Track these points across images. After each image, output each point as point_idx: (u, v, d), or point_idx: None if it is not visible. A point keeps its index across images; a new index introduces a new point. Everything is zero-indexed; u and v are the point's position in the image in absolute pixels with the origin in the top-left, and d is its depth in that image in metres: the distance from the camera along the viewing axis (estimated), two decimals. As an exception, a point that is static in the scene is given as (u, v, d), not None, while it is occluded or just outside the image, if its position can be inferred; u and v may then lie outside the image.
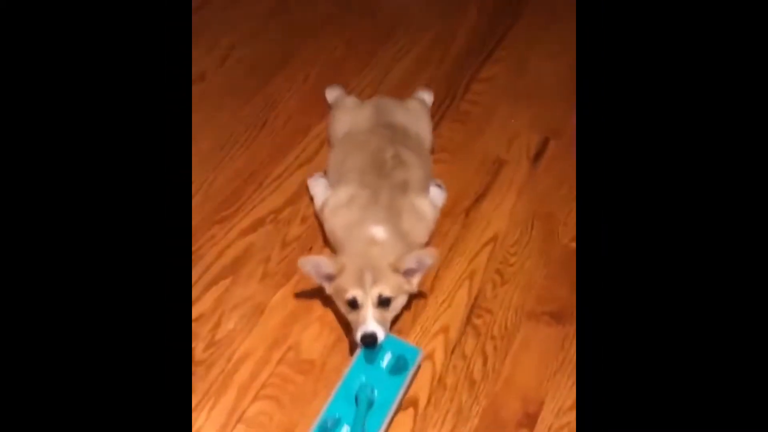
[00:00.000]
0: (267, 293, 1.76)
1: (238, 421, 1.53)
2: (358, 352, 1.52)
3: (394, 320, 1.61)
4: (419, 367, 1.56)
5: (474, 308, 1.75)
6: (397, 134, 1.85)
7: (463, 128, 2.20)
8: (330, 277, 1.56)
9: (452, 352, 1.67)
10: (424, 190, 1.81)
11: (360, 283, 1.51)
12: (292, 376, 1.61)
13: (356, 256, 1.57)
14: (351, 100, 2.08)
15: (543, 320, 1.74)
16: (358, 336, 1.50)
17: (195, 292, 1.72)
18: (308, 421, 1.49)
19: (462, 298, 1.77)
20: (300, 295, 1.75)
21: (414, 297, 1.68)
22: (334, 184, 1.80)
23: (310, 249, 1.83)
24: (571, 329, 1.71)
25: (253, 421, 1.53)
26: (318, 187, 1.86)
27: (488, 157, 2.12)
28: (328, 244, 1.77)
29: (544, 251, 1.88)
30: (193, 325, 1.65)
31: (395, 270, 1.54)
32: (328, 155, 1.91)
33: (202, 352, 1.63)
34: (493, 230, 1.93)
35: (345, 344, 1.67)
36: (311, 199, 1.86)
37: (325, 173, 1.90)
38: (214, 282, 1.77)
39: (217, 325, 1.69)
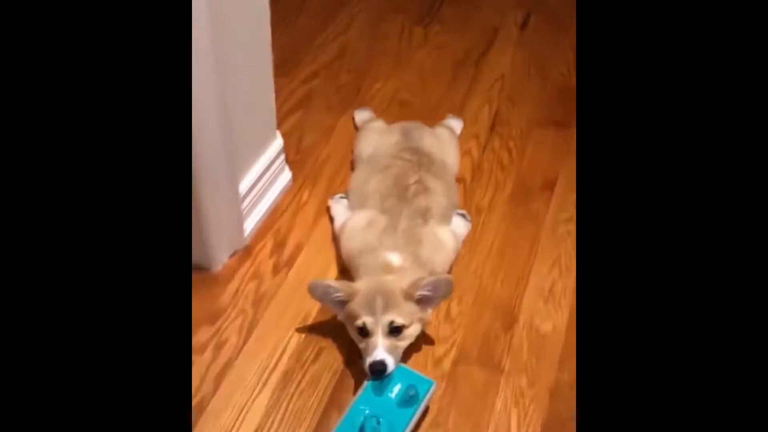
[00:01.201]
0: (333, 119, 2.21)
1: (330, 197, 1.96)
2: (366, 381, 1.46)
3: (408, 350, 1.54)
4: (430, 399, 1.47)
5: (495, 122, 2.25)
6: (422, 160, 1.79)
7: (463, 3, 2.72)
8: (341, 303, 1.51)
9: (484, 149, 2.16)
10: (447, 218, 1.76)
11: (371, 309, 1.45)
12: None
13: (369, 282, 1.52)
14: (379, 124, 2.04)
15: (550, 127, 2.25)
16: (367, 365, 1.44)
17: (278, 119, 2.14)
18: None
19: (485, 116, 2.27)
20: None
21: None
22: (354, 207, 1.76)
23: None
24: (572, 131, 2.22)
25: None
26: (338, 209, 1.83)
27: (486, 25, 2.64)
28: (344, 268, 1.72)
29: (542, 82, 2.41)
30: (284, 139, 2.07)
31: (408, 296, 1.48)
32: (351, 177, 1.88)
33: (294, 155, 2.07)
34: (500, 71, 2.44)
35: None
36: (331, 220, 1.84)
37: (347, 195, 1.85)
38: (290, 113, 2.21)
39: (300, 139, 2.13)
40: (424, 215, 1.67)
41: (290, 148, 2.03)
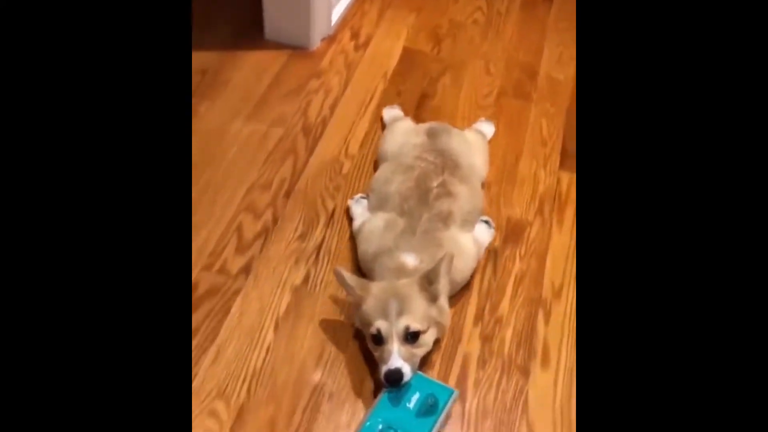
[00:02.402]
0: None
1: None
2: (383, 392, 1.41)
3: (425, 357, 1.48)
4: (451, 409, 1.42)
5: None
6: (447, 163, 1.72)
7: None
8: (356, 303, 1.48)
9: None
10: (470, 224, 1.69)
11: (385, 314, 1.41)
12: None
13: (384, 285, 1.47)
14: (406, 123, 1.97)
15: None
16: (382, 374, 1.39)
17: None
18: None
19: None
20: None
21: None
22: (374, 208, 1.71)
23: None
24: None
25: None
26: (358, 209, 1.77)
27: None
28: (360, 271, 1.66)
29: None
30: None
31: (429, 283, 1.44)
32: (373, 176, 1.82)
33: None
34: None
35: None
36: (350, 221, 1.78)
37: (368, 195, 1.79)
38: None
39: None
40: (446, 220, 1.60)
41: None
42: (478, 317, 1.64)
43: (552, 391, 1.52)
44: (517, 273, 1.74)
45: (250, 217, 1.80)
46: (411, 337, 1.41)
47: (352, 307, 1.51)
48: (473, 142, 1.91)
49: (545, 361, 1.57)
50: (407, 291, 1.44)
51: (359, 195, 1.81)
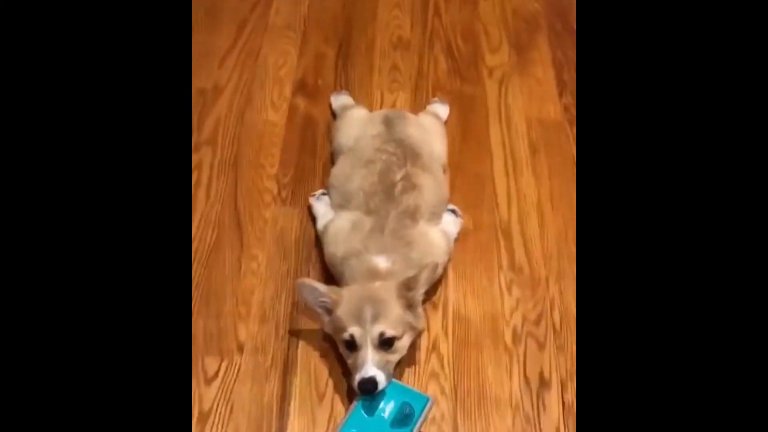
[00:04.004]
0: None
1: None
2: (356, 400, 1.37)
3: (399, 363, 1.44)
4: (426, 417, 1.38)
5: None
6: (408, 153, 1.66)
7: None
8: (328, 310, 1.42)
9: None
10: (437, 216, 1.65)
11: (358, 319, 1.36)
12: None
13: (357, 289, 1.42)
14: (359, 112, 1.89)
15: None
16: (356, 382, 1.35)
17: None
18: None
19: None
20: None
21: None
22: (336, 205, 1.65)
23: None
24: None
25: None
26: (320, 208, 1.69)
27: None
28: (328, 272, 1.60)
29: None
30: None
31: (408, 290, 1.40)
32: (331, 170, 1.74)
33: None
34: None
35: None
36: (313, 219, 1.70)
37: (328, 191, 1.72)
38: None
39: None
40: (413, 215, 1.55)
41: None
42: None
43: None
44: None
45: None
46: (386, 343, 1.36)
47: (321, 314, 1.44)
48: (430, 127, 1.85)
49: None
50: (382, 295, 1.39)
51: (320, 191, 1.73)
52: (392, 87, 2.06)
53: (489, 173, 1.84)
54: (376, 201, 1.56)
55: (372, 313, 1.35)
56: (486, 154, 1.89)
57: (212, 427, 1.35)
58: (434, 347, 1.50)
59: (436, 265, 1.46)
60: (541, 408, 1.41)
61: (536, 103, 2.02)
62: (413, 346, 1.45)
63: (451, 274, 1.63)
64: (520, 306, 1.57)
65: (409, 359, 1.46)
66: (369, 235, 1.51)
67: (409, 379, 1.45)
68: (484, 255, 1.67)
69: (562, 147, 1.90)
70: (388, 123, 1.74)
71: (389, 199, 1.56)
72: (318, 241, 1.64)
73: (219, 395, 1.40)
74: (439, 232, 1.61)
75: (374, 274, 1.45)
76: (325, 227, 1.62)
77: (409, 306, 1.40)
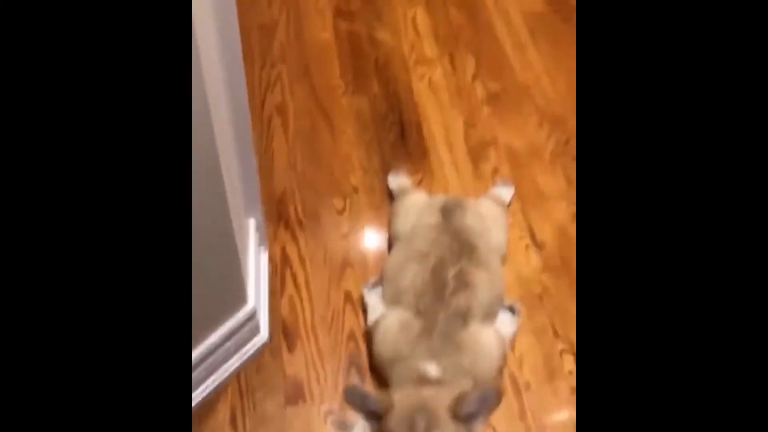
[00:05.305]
0: None
1: None
2: None
3: None
4: None
5: None
6: (463, 245, 1.59)
7: None
8: (377, 416, 1.34)
9: None
10: (491, 316, 1.58)
11: (411, 429, 1.29)
12: None
13: (407, 398, 1.34)
14: (418, 198, 1.82)
15: None
16: None
17: None
18: None
19: None
20: None
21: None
22: (389, 301, 1.59)
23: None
24: None
25: None
26: (372, 301, 1.65)
27: None
28: (375, 371, 1.59)
29: None
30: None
31: (454, 415, 1.30)
32: (387, 259, 1.71)
33: None
34: None
35: None
36: (365, 312, 1.68)
37: (382, 282, 1.66)
38: None
39: None
40: (464, 317, 1.49)
41: None
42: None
43: None
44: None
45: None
46: None
47: (369, 421, 1.37)
48: (489, 215, 1.76)
49: None
50: (434, 405, 1.31)
51: (372, 281, 1.71)
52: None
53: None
54: (426, 301, 1.50)
55: (425, 425, 1.28)
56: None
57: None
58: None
59: (497, 390, 1.35)
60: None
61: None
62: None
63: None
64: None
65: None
66: (417, 339, 1.46)
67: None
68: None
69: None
70: (446, 212, 1.67)
71: (439, 300, 1.50)
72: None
73: (348, 221, 1.91)
74: (493, 334, 1.54)
75: (423, 381, 1.40)
76: (375, 323, 1.57)
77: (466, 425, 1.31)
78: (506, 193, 1.91)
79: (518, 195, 1.96)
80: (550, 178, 2.01)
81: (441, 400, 1.32)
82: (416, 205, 1.77)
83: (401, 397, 1.34)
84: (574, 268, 1.82)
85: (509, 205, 1.91)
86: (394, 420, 1.30)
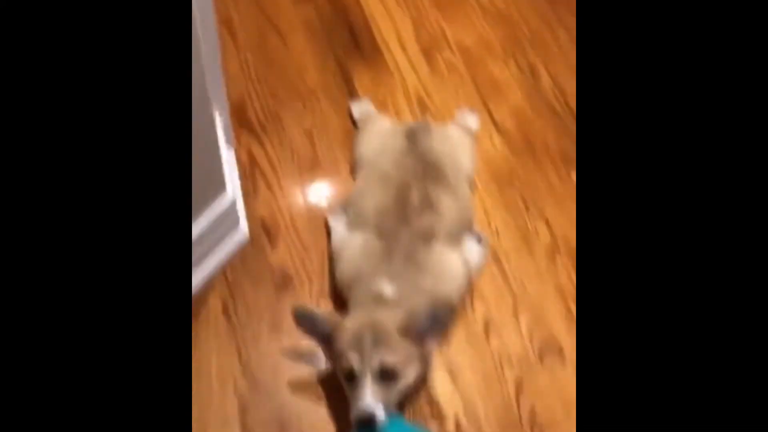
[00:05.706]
0: None
1: None
2: None
3: (406, 398, 1.37)
4: None
5: None
6: (428, 168, 1.56)
7: None
8: (327, 339, 1.32)
9: None
10: (456, 240, 1.51)
11: (358, 347, 1.25)
12: None
13: (359, 317, 1.32)
14: (382, 123, 1.79)
15: None
16: (352, 416, 1.24)
17: None
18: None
19: None
20: None
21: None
22: (352, 224, 1.55)
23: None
24: None
25: None
26: (336, 225, 1.61)
27: None
28: (338, 295, 1.55)
29: None
30: None
31: (405, 333, 1.27)
32: (353, 185, 1.69)
33: None
34: None
35: None
36: (329, 236, 1.64)
37: (345, 206, 1.63)
38: None
39: None
40: (427, 237, 1.44)
41: None
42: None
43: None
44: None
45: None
46: (386, 374, 1.26)
47: (322, 345, 1.36)
48: (457, 141, 1.75)
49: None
50: (384, 322, 1.29)
51: (339, 207, 1.67)
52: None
53: None
54: (388, 222, 1.47)
55: (372, 341, 1.26)
56: None
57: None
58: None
59: (450, 307, 1.36)
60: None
61: None
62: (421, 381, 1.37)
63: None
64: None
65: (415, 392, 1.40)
66: (378, 259, 1.43)
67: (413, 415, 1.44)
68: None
69: None
70: (411, 136, 1.64)
71: (402, 221, 1.46)
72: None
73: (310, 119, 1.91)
74: (458, 259, 1.48)
75: (379, 301, 1.36)
76: (338, 246, 1.55)
77: (416, 340, 1.29)
78: (472, 120, 1.89)
79: (475, 87, 2.00)
80: (503, 68, 2.06)
81: (393, 318, 1.30)
82: (381, 130, 1.76)
83: (352, 317, 1.33)
84: (537, 148, 1.89)
85: (476, 132, 1.88)
86: (344, 338, 1.28)
